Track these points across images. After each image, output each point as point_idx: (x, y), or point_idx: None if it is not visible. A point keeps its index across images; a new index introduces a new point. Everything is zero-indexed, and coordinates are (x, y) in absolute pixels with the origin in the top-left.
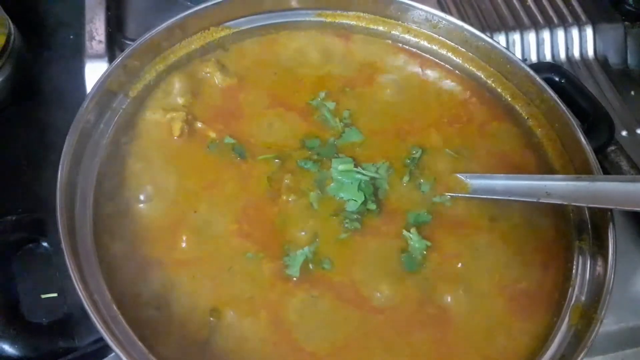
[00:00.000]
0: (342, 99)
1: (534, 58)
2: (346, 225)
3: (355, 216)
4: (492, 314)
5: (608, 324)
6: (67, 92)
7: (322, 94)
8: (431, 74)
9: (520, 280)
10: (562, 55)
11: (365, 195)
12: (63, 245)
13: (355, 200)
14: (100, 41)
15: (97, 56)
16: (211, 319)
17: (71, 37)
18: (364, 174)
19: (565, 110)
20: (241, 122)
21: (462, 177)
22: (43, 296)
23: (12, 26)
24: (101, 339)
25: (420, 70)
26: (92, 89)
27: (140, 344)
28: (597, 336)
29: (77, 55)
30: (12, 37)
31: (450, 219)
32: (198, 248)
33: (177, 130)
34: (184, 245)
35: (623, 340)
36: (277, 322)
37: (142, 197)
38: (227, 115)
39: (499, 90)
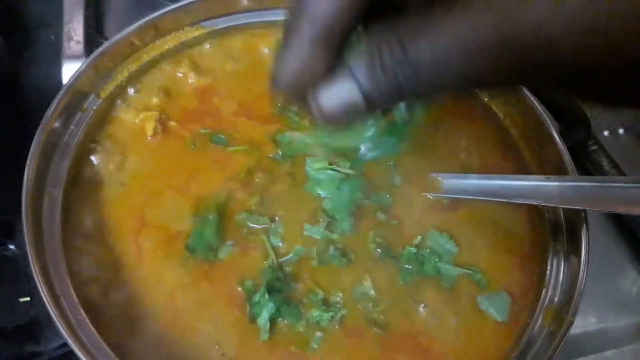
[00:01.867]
0: None
1: None
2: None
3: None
4: (465, 314)
5: (589, 324)
6: (45, 93)
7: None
8: None
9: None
10: None
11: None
12: (28, 248)
13: (330, 199)
14: (78, 42)
15: (75, 57)
16: None
17: (52, 37)
18: (339, 171)
19: (541, 110)
20: (215, 121)
21: (435, 177)
22: (21, 300)
23: None
24: (66, 344)
25: None
26: (61, 90)
27: (107, 348)
28: (572, 337)
29: (57, 56)
30: None
31: None
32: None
33: (149, 130)
34: (149, 244)
35: (604, 341)
36: None
37: (113, 198)
38: (202, 115)
39: (476, 90)
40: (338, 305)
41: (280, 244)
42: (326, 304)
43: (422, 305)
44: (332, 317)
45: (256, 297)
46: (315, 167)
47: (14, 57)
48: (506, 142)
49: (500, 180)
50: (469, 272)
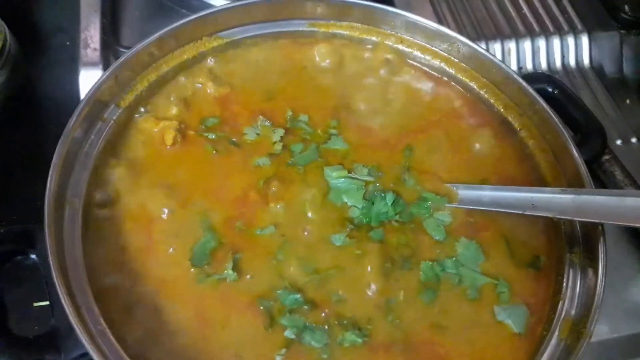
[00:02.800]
0: (335, 111)
1: (529, 66)
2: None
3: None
4: (483, 325)
5: (602, 334)
6: (62, 99)
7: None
8: (423, 84)
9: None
10: (558, 63)
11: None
12: (50, 259)
13: (357, 207)
14: (95, 49)
15: (92, 64)
16: None
17: (67, 43)
18: (358, 179)
19: (557, 122)
20: (233, 129)
21: (451, 187)
22: (35, 304)
23: (7, 32)
24: (87, 354)
25: (412, 80)
26: (82, 100)
27: (127, 359)
28: (589, 348)
29: (72, 62)
30: (8, 43)
31: None
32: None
33: (169, 139)
34: (172, 252)
35: (617, 350)
36: None
37: (132, 207)
38: (221, 123)
39: (492, 101)
40: (368, 327)
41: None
42: (355, 326)
43: (441, 314)
44: (364, 339)
45: (280, 319)
46: (335, 175)
47: (29, 62)
48: (522, 154)
49: (515, 192)
50: (496, 282)
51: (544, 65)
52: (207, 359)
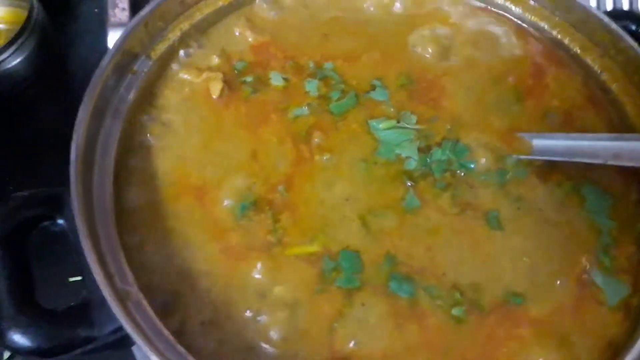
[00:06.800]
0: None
1: (609, 7)
2: None
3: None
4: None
5: None
6: (91, 66)
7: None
8: (487, 24)
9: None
10: None
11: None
12: (77, 222)
13: (414, 159)
14: (123, 9)
15: (120, 24)
16: None
17: (95, 10)
18: (408, 128)
19: None
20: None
21: (523, 136)
22: (70, 279)
23: (34, 0)
24: (122, 328)
25: (474, 21)
26: (110, 49)
27: (166, 332)
28: None
29: (101, 28)
30: (35, 11)
31: None
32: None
33: (216, 91)
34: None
35: None
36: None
37: (170, 167)
38: (259, 71)
39: (566, 42)
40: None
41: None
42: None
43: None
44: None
45: None
46: (382, 127)
47: (59, 32)
48: (604, 99)
49: (595, 141)
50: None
51: (625, 5)
52: None
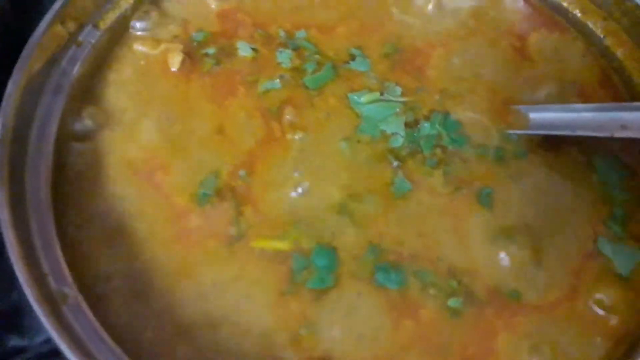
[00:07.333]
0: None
1: None
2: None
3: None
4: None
5: None
6: None
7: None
8: None
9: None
10: None
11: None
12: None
13: (401, 135)
14: None
15: None
16: None
17: None
18: (393, 100)
19: None
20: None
21: (521, 109)
22: None
23: None
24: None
25: None
26: (45, 17)
27: (109, 340)
28: None
29: None
30: None
31: None
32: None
33: (176, 63)
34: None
35: None
36: None
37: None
38: (224, 42)
39: (565, 4)
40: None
41: None
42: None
43: None
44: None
45: None
46: (364, 101)
47: (18, 19)
48: (608, 65)
49: (600, 112)
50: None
51: None
52: None
